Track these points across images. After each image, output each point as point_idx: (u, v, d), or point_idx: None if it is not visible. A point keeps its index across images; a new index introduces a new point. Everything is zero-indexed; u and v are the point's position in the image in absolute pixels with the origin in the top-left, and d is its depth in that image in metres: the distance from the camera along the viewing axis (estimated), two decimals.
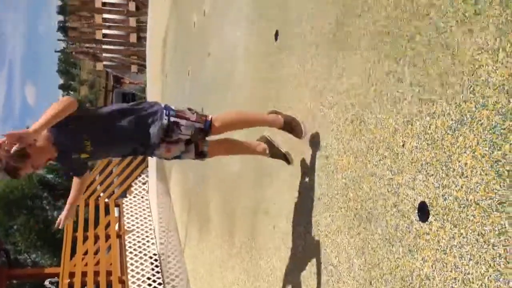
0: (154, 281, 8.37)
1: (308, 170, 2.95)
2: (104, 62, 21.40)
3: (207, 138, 2.87)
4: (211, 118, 2.78)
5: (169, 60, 10.90)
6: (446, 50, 1.77)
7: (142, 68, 19.23)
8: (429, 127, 1.86)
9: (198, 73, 7.14)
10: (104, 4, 19.71)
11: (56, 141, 2.59)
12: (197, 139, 2.79)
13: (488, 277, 1.51)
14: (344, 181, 2.52)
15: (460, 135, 1.68)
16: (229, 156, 3.20)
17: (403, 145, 2.03)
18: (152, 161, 10.42)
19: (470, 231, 1.61)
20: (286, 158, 3.07)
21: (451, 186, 1.72)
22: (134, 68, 20.41)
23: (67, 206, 3.00)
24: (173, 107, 2.78)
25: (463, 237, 1.64)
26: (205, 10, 6.77)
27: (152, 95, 15.26)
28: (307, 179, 2.96)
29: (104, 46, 20.48)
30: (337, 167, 2.62)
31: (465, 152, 1.65)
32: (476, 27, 1.63)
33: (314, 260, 2.77)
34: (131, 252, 8.81)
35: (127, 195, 10.37)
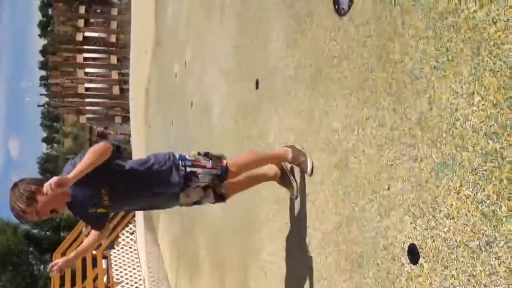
0: None
1: (295, 213, 2.96)
2: (87, 115, 21.45)
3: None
4: (227, 164, 2.78)
5: (153, 111, 10.97)
6: (423, 95, 1.83)
7: (125, 119, 19.29)
8: (413, 170, 1.89)
9: (182, 122, 7.19)
10: (85, 59, 19.93)
11: (72, 194, 2.54)
12: (214, 184, 2.79)
13: None
14: (332, 224, 2.53)
15: (444, 177, 1.71)
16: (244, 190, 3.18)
17: (388, 188, 2.06)
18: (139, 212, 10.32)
19: (461, 272, 1.62)
20: (293, 189, 2.97)
21: (438, 228, 1.74)
22: (117, 119, 20.47)
23: (73, 253, 2.92)
24: (187, 157, 2.76)
25: (455, 279, 1.64)
26: (185, 61, 6.88)
27: (137, 145, 15.26)
28: (295, 222, 2.96)
29: (87, 100, 20.58)
30: (323, 211, 2.64)
31: (449, 194, 1.68)
32: (450, 72, 1.69)
33: None
34: None
35: (115, 246, 10.21)
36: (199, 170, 2.71)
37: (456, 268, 1.64)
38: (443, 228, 1.71)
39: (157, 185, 2.68)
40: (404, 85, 1.95)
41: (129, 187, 2.62)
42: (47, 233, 37.92)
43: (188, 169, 2.69)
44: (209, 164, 2.75)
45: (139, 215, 10.51)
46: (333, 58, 2.57)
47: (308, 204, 2.82)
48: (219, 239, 4.82)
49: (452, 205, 1.67)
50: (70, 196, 2.56)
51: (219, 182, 2.81)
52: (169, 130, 8.20)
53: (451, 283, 1.66)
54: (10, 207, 2.44)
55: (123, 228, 10.44)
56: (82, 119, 21.80)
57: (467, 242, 1.60)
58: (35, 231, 37.38)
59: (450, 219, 1.67)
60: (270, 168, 3.02)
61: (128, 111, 17.99)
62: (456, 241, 1.64)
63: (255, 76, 3.83)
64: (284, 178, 3.01)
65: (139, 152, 13.63)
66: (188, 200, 2.79)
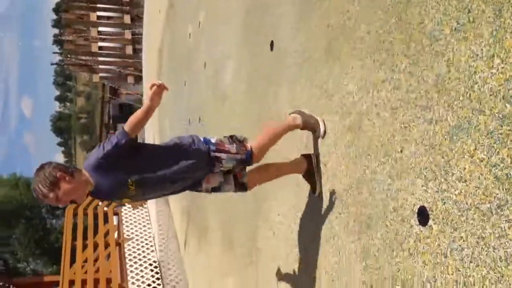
0: (154, 287, 8.39)
1: (307, 175, 2.97)
2: (100, 74, 21.45)
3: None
4: (251, 148, 2.71)
5: (166, 71, 10.93)
6: (441, 57, 1.81)
7: (138, 79, 19.28)
8: (427, 133, 1.88)
9: (194, 83, 7.17)
10: (99, 17, 19.79)
11: (96, 182, 2.47)
12: (237, 170, 2.73)
13: (489, 280, 1.54)
14: (342, 186, 2.55)
15: (458, 140, 1.71)
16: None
17: (401, 151, 2.06)
18: None
19: (470, 235, 1.63)
20: (315, 185, 2.84)
21: (450, 190, 1.74)
22: (130, 79, 20.46)
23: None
24: (212, 140, 2.69)
25: (463, 241, 1.66)
26: (200, 22, 6.81)
27: None
28: (305, 184, 2.98)
29: (100, 59, 20.55)
30: (335, 173, 2.65)
31: (463, 157, 1.68)
32: (470, 34, 1.66)
33: (315, 266, 2.79)
34: (130, 260, 8.82)
35: (126, 204, 10.37)
36: (223, 155, 2.64)
37: (466, 231, 1.65)
38: (455, 190, 1.72)
39: (184, 170, 2.59)
40: (423, 47, 1.92)
41: (156, 175, 2.54)
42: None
43: (212, 154, 2.62)
44: (233, 149, 2.67)
45: None
46: (350, 19, 2.53)
47: (319, 166, 2.83)
48: (228, 202, 4.88)
49: (465, 168, 1.67)
50: (94, 186, 2.49)
51: (243, 168, 2.74)
52: (182, 90, 8.19)
53: (459, 245, 1.68)
54: (32, 187, 2.41)
55: None
56: (95, 78, 21.80)
57: (478, 205, 1.60)
58: None
59: (462, 182, 1.68)
60: (297, 162, 2.89)
61: (141, 71, 17.96)
62: (467, 204, 1.65)
63: (270, 38, 3.79)
64: (309, 174, 2.86)
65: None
66: (208, 185, 2.72)
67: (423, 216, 1.88)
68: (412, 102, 1.99)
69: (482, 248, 1.57)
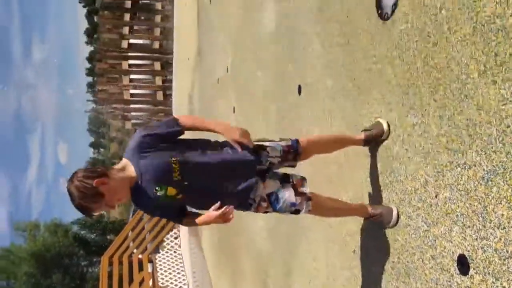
0: None
1: (341, 220, 2.93)
2: (133, 121, 21.91)
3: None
4: (297, 139, 2.53)
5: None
6: (470, 101, 1.78)
7: None
8: (461, 178, 1.84)
9: None
10: (130, 65, 20.38)
11: (141, 169, 2.26)
12: (287, 158, 2.48)
13: None
14: (377, 233, 2.49)
15: (494, 185, 1.66)
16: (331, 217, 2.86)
17: (436, 196, 2.01)
18: None
19: None
20: (383, 225, 2.46)
21: (489, 238, 1.69)
22: None
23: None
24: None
25: None
26: (227, 67, 6.94)
27: None
28: (340, 230, 2.93)
29: (132, 106, 21.04)
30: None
31: (500, 203, 1.63)
32: (499, 78, 1.64)
33: None
34: None
35: (160, 250, 10.38)
36: (266, 143, 2.46)
37: (508, 280, 1.59)
38: (494, 238, 1.66)
39: (229, 159, 2.36)
40: (451, 91, 1.91)
41: (200, 160, 2.30)
42: (95, 235, 38.98)
43: (255, 142, 2.42)
44: (276, 139, 2.53)
45: None
46: (376, 63, 2.54)
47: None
48: (262, 244, 4.83)
49: (503, 214, 1.62)
50: (136, 180, 2.26)
51: (294, 156, 2.49)
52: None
53: None
54: (77, 207, 2.21)
55: (168, 233, 10.61)
56: (128, 125, 22.26)
57: None
58: (83, 232, 38.51)
59: (501, 229, 1.62)
60: (361, 206, 2.58)
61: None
62: (508, 252, 1.59)
63: (297, 82, 3.82)
64: (374, 215, 2.48)
65: None
66: (265, 191, 2.39)
67: (463, 265, 1.81)
68: (444, 146, 1.95)
69: None
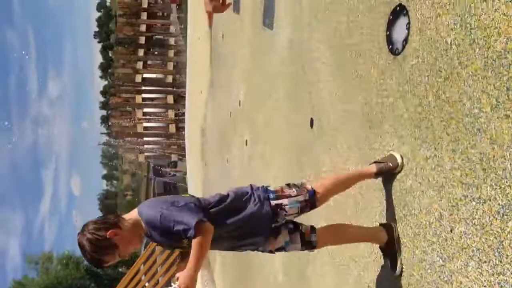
0: None
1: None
2: (146, 154, 22.09)
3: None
4: (312, 187, 2.52)
5: (208, 149, 11.16)
6: (484, 135, 1.79)
7: (181, 157, 19.71)
8: (476, 212, 1.83)
9: (236, 161, 7.27)
10: (144, 99, 20.69)
11: (149, 233, 2.30)
12: (304, 212, 2.50)
13: None
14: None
15: (510, 220, 1.65)
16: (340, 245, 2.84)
17: (451, 231, 1.99)
18: None
19: None
20: (395, 258, 2.46)
21: (506, 273, 1.66)
22: (174, 157, 20.93)
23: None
24: (271, 188, 2.50)
25: None
26: (240, 100, 7.01)
27: (194, 183, 15.50)
28: (353, 267, 2.90)
29: (145, 138, 21.24)
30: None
31: None
32: (511, 111, 1.65)
33: None
34: None
35: (172, 283, 10.28)
36: (285, 201, 2.44)
37: None
38: (511, 273, 1.64)
39: (245, 221, 2.39)
40: (463, 125, 1.91)
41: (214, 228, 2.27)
42: (107, 269, 38.82)
43: (273, 202, 2.42)
44: (293, 192, 2.48)
45: None
46: (388, 97, 2.56)
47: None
48: (277, 283, 4.78)
49: None
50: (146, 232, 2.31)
51: (310, 209, 2.51)
52: (224, 167, 8.30)
53: None
54: (89, 261, 2.21)
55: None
56: (141, 158, 22.46)
57: None
58: None
59: None
60: (376, 231, 2.57)
61: (183, 149, 18.39)
62: None
63: (309, 115, 3.85)
64: (389, 246, 2.51)
65: (195, 188, 13.84)
66: (273, 246, 2.48)
67: None
68: (458, 180, 1.95)
69: None
